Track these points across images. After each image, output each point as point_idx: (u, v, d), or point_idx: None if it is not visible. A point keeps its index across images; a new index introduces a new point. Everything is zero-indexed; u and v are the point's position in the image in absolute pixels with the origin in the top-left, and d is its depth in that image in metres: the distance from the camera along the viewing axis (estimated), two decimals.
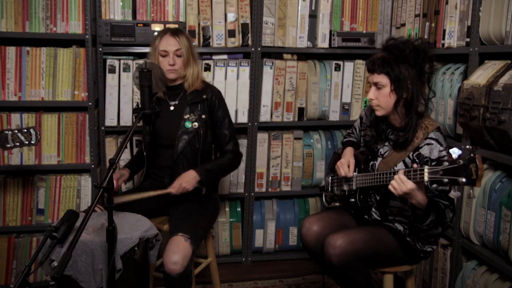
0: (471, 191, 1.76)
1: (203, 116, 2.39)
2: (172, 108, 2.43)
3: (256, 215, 3.24)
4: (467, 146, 1.66)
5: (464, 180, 1.64)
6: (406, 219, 2.09)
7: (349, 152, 2.29)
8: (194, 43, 2.92)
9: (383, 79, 1.99)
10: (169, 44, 2.33)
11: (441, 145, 1.99)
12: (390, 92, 1.99)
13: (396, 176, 1.86)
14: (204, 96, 2.40)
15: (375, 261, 2.08)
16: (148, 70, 2.08)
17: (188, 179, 2.27)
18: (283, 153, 3.19)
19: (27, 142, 2.30)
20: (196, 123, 2.37)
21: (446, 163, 1.68)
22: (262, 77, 3.07)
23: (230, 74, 3.03)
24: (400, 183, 1.83)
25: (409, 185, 1.82)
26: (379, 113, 2.07)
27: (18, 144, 2.29)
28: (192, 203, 2.36)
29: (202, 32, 2.96)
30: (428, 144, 2.00)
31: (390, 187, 1.88)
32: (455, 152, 1.68)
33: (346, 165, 2.21)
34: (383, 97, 2.01)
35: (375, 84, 2.02)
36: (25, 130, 2.30)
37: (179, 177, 2.29)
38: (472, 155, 1.63)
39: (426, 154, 1.98)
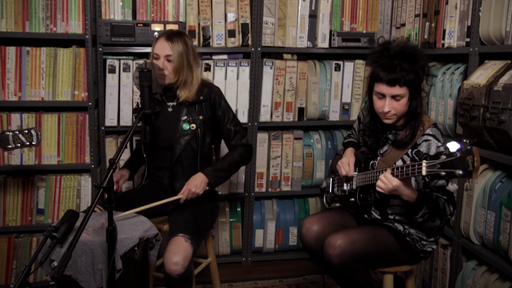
0: (467, 183, 1.77)
1: (201, 117, 2.38)
2: (170, 109, 2.42)
3: (256, 215, 3.24)
4: (464, 140, 1.67)
5: (461, 172, 1.65)
6: (406, 218, 2.09)
7: (349, 152, 2.29)
8: (194, 43, 2.92)
9: (403, 90, 1.95)
10: (161, 48, 2.30)
11: (439, 140, 2.00)
12: (407, 101, 1.98)
13: (381, 176, 1.88)
14: (201, 97, 2.38)
15: (375, 261, 2.08)
16: (148, 70, 2.08)
17: (196, 183, 2.26)
18: (283, 153, 3.19)
19: (28, 143, 2.31)
20: (193, 125, 2.36)
21: (443, 157, 1.70)
22: (262, 77, 3.08)
23: (230, 74, 3.03)
24: (386, 182, 1.86)
25: (394, 182, 1.84)
26: (391, 121, 2.03)
27: (19, 145, 2.29)
28: (192, 203, 2.36)
29: (202, 32, 2.96)
30: (425, 140, 2.01)
31: (377, 187, 1.91)
32: (454, 145, 1.70)
33: (347, 164, 2.21)
34: (400, 107, 1.98)
35: (394, 96, 1.95)
36: (26, 131, 2.30)
37: (187, 182, 2.28)
38: (469, 147, 1.65)
39: (424, 150, 1.99)
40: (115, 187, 2.34)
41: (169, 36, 2.32)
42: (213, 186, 2.34)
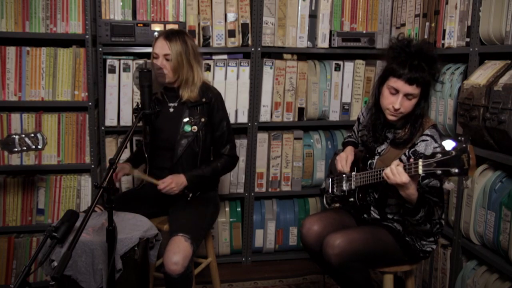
0: (464, 181, 1.77)
1: (203, 120, 2.38)
2: (171, 110, 2.42)
3: (256, 215, 3.24)
4: (460, 137, 1.67)
5: (456, 170, 1.66)
6: (402, 217, 2.09)
7: (349, 149, 2.30)
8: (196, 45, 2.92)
9: (417, 90, 1.95)
10: (160, 47, 2.30)
11: (436, 141, 1.99)
12: (416, 102, 1.98)
13: (393, 166, 1.85)
14: (204, 100, 2.38)
15: (374, 260, 2.08)
16: (148, 70, 2.08)
17: (178, 183, 2.30)
18: (283, 153, 3.19)
19: (34, 147, 2.32)
20: (195, 127, 2.36)
21: (439, 155, 1.70)
22: (262, 77, 3.07)
23: (230, 74, 3.03)
24: (396, 174, 1.84)
25: (404, 178, 1.82)
26: (396, 119, 2.03)
27: (25, 148, 2.30)
28: (192, 203, 2.36)
29: (202, 32, 2.96)
30: (423, 140, 2.01)
31: (383, 174, 1.89)
32: (449, 143, 1.70)
33: (345, 159, 2.22)
34: (410, 106, 1.98)
35: (407, 94, 1.96)
36: (32, 135, 2.31)
37: (172, 177, 2.31)
38: (464, 145, 1.65)
39: (421, 150, 1.99)
40: (114, 177, 2.34)
41: (168, 35, 2.32)
42: (189, 191, 2.37)
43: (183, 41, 2.32)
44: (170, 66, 2.30)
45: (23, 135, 2.29)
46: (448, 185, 1.92)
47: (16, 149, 2.29)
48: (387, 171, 1.87)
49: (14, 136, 2.29)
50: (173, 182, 2.28)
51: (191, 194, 2.38)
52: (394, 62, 1.97)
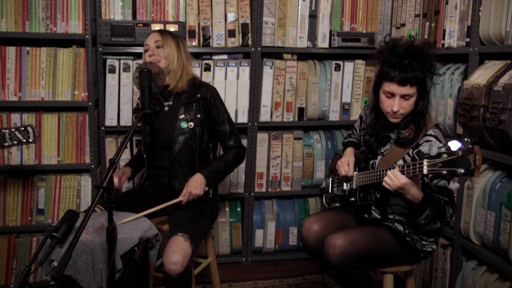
0: (469, 182, 1.76)
1: (198, 116, 2.38)
2: (166, 108, 2.42)
3: (256, 215, 3.24)
4: (466, 139, 1.67)
5: (462, 171, 1.65)
6: (406, 218, 2.09)
7: (349, 152, 2.29)
8: (194, 43, 2.92)
9: (413, 90, 1.94)
10: (151, 38, 2.36)
11: (440, 141, 1.99)
12: (415, 101, 1.97)
13: (389, 172, 1.87)
14: (198, 95, 2.38)
15: (375, 261, 2.08)
16: (148, 70, 2.08)
17: (196, 185, 2.28)
18: (283, 153, 3.19)
19: (25, 140, 2.29)
20: (191, 123, 2.36)
21: (445, 155, 1.69)
22: (262, 77, 3.07)
23: (230, 74, 3.03)
24: (394, 178, 1.85)
25: (402, 180, 1.83)
26: (398, 120, 2.02)
27: (16, 142, 2.28)
28: (192, 203, 2.36)
29: (202, 32, 2.96)
30: (427, 141, 2.00)
31: (383, 183, 1.89)
32: (455, 144, 1.69)
33: (346, 164, 2.21)
34: (409, 106, 1.98)
35: (403, 96, 1.95)
36: (23, 128, 2.29)
37: (187, 184, 2.29)
38: (470, 146, 1.65)
39: (425, 151, 1.99)
40: (117, 184, 2.34)
41: (159, 30, 2.42)
42: (209, 187, 2.35)
43: (173, 36, 2.39)
44: (162, 53, 2.33)
45: (13, 129, 2.27)
46: (453, 185, 1.91)
47: (6, 144, 2.26)
48: (385, 180, 1.87)
49: (4, 130, 2.26)
50: (191, 189, 2.27)
51: (211, 191, 2.39)
52: (385, 65, 1.97)
